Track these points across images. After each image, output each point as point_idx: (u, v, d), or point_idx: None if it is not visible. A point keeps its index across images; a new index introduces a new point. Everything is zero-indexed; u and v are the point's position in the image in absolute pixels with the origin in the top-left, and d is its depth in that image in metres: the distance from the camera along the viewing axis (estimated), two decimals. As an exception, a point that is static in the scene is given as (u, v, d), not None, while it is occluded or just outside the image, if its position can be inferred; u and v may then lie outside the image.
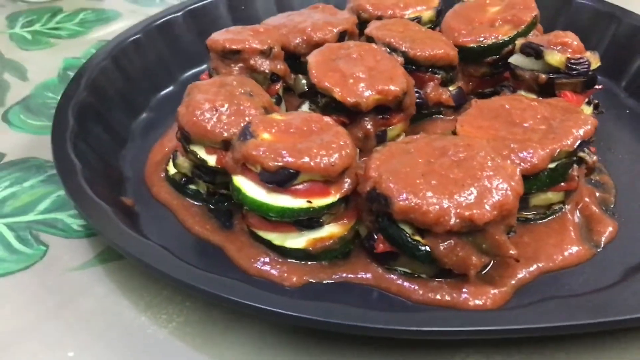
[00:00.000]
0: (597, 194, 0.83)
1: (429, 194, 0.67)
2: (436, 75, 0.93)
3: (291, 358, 0.66)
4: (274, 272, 0.74)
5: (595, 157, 0.77)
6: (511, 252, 0.69)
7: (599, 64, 0.86)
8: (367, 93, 0.82)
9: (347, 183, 0.73)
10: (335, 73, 0.85)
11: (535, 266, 0.74)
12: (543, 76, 0.86)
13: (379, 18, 1.04)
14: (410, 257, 0.70)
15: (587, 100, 0.88)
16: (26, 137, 0.99)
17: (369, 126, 0.85)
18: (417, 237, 0.69)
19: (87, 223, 0.73)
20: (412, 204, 0.66)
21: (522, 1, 0.99)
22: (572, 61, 0.84)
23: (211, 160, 0.79)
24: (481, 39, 0.96)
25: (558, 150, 0.73)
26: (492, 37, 0.95)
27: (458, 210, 0.66)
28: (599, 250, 0.76)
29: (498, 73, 0.98)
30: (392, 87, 0.83)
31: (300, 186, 0.71)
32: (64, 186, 0.75)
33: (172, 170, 0.86)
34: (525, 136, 0.75)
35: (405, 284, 0.72)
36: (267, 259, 0.75)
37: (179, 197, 0.84)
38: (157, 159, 0.91)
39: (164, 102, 1.04)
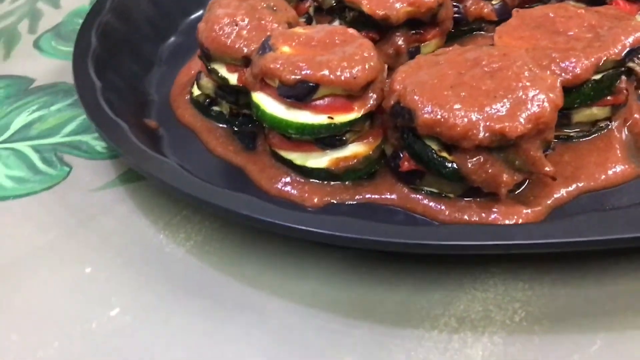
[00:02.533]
0: (649, 112, 0.76)
1: (457, 106, 0.62)
2: (476, -14, 0.87)
3: (310, 274, 0.63)
4: (294, 192, 0.71)
5: (645, 68, 0.70)
6: (547, 169, 0.64)
7: (655, -33, 0.78)
8: (398, 5, 0.77)
9: (372, 98, 0.69)
10: (367, -16, 0.79)
11: (574, 186, 0.68)
12: (590, -17, 0.78)
13: None
14: (437, 175, 0.66)
15: (642, 9, 0.81)
16: (56, 63, 0.98)
17: (400, 42, 0.80)
18: (444, 154, 0.65)
19: (105, 141, 0.72)
20: (438, 116, 0.62)
21: None
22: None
23: (232, 78, 0.76)
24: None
25: (604, 59, 0.67)
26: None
27: (488, 123, 0.61)
28: (645, 170, 0.70)
29: (547, -17, 0.91)
30: (425, -1, 0.77)
31: (321, 101, 0.67)
32: (82, 103, 0.74)
33: (196, 92, 0.83)
34: (568, 45, 0.69)
35: (432, 204, 0.68)
36: (288, 179, 0.72)
37: (203, 119, 0.82)
38: (183, 81, 0.88)
39: (194, 25, 1.00)
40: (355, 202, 0.70)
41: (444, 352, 0.55)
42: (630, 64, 0.69)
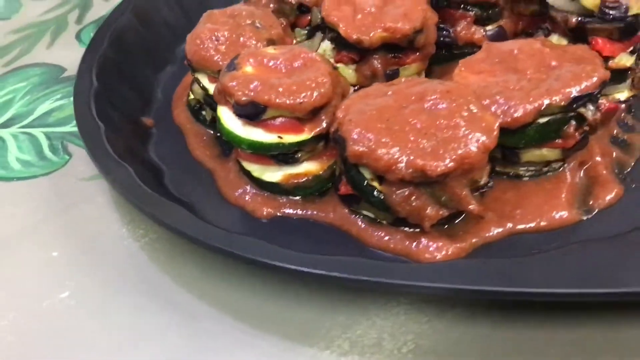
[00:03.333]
0: (614, 154, 0.75)
1: (385, 139, 0.65)
2: (469, 13, 0.87)
3: (237, 286, 0.69)
4: (249, 202, 0.77)
5: (598, 115, 0.69)
6: (471, 207, 0.66)
7: (644, 8, 0.76)
8: (374, 30, 0.80)
9: (323, 122, 0.73)
10: (347, 6, 0.82)
11: (508, 225, 0.69)
12: (573, 19, 0.77)
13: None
14: (367, 202, 0.69)
15: (631, 49, 0.78)
16: (88, 55, 1.08)
17: (376, 64, 0.83)
18: (375, 183, 0.68)
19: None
20: (365, 148, 0.65)
21: None
22: (606, 4, 0.75)
23: (212, 88, 0.81)
24: (530, -27, 0.87)
25: (546, 104, 0.67)
26: (543, -28, 0.86)
27: (411, 159, 0.64)
28: (588, 217, 0.69)
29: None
30: (400, 25, 0.79)
31: (273, 121, 0.72)
32: (74, 99, 0.82)
33: (191, 95, 0.90)
34: (518, 85, 0.70)
35: (365, 227, 0.71)
36: (247, 189, 0.78)
37: (193, 122, 0.89)
38: (186, 84, 0.95)
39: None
40: (301, 217, 0.75)
41: (329, 372, 0.60)
42: (582, 110, 0.69)
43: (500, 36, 0.89)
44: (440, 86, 0.70)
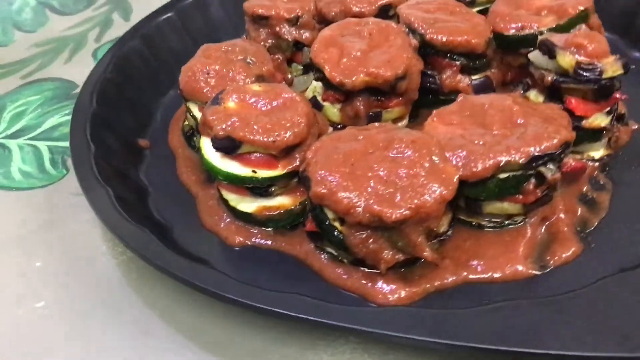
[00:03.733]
0: (579, 212, 0.77)
1: (347, 183, 0.68)
2: (455, 62, 0.90)
3: (195, 311, 0.73)
4: (223, 229, 0.80)
5: (558, 175, 0.72)
6: (425, 254, 0.69)
7: (619, 72, 0.77)
8: (357, 74, 0.83)
9: (297, 160, 0.76)
10: (335, 49, 0.86)
11: (463, 274, 0.72)
12: (549, 78, 0.80)
13: (432, -7, 1.01)
14: (328, 241, 0.73)
15: (608, 109, 0.80)
16: (100, 73, 1.13)
17: (359, 106, 0.86)
18: (336, 224, 0.71)
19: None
20: (326, 190, 0.68)
21: (580, -10, 0.90)
22: (581, 65, 0.77)
23: (201, 118, 0.86)
24: (519, 27, 0.90)
25: (505, 161, 0.69)
26: (531, 27, 0.89)
27: (369, 204, 0.67)
28: (541, 272, 0.71)
29: (536, 66, 0.92)
30: (382, 71, 0.82)
31: (250, 155, 0.76)
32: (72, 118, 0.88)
33: (186, 121, 0.94)
34: (482, 140, 0.72)
35: (326, 264, 0.74)
36: (223, 216, 0.82)
37: (185, 147, 0.93)
38: (184, 109, 1.00)
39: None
40: (270, 248, 0.78)
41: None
42: (541, 169, 0.71)
43: (485, 86, 0.92)
44: (407, 135, 0.73)
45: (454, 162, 0.71)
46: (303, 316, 0.62)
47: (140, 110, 0.98)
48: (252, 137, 0.74)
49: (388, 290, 0.70)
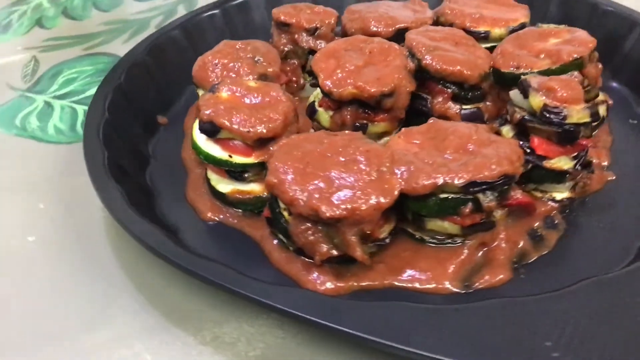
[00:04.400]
0: (521, 244, 0.81)
1: (296, 178, 0.76)
2: (447, 90, 0.95)
3: (155, 266, 0.82)
4: (199, 204, 0.90)
5: (493, 203, 0.76)
6: (357, 254, 0.75)
7: (585, 120, 0.81)
8: (345, 86, 0.90)
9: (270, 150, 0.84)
10: (334, 60, 0.94)
11: (391, 278, 0.77)
12: (518, 115, 0.84)
13: (451, 25, 1.07)
14: (276, 227, 0.80)
15: (575, 154, 0.84)
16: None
17: (346, 115, 0.93)
18: (285, 213, 0.79)
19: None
20: (276, 180, 0.76)
21: (582, 40, 0.93)
22: (548, 108, 0.81)
23: (206, 104, 0.96)
24: (515, 66, 0.94)
25: (441, 182, 0.74)
26: (526, 68, 0.93)
27: (310, 200, 0.74)
28: (464, 292, 0.76)
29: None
30: (368, 87, 0.89)
31: (230, 142, 0.85)
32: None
33: (200, 106, 1.05)
34: (431, 160, 0.77)
35: (275, 248, 0.82)
36: (203, 193, 0.91)
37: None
38: (207, 96, 1.10)
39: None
40: (235, 227, 0.87)
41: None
42: (479, 196, 0.76)
43: (475, 117, 0.96)
44: (364, 145, 0.79)
45: (399, 176, 0.76)
46: (222, 283, 0.70)
47: (166, 92, 1.09)
48: (229, 125, 0.83)
49: (319, 281, 0.77)
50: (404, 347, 0.60)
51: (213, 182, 0.90)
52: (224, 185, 0.88)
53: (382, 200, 0.74)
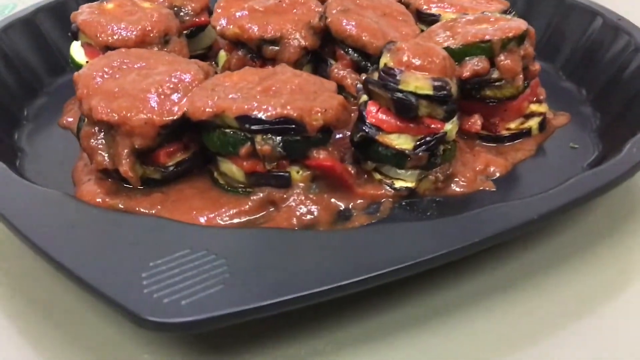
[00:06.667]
0: (315, 215, 0.70)
1: (98, 79, 0.73)
2: (347, 55, 0.86)
3: None
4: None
5: (267, 149, 0.67)
6: (122, 168, 0.70)
7: (425, 91, 0.68)
8: (231, 24, 0.86)
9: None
10: (242, 2, 0.89)
11: (160, 209, 0.71)
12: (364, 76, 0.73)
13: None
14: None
15: (420, 137, 0.71)
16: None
17: (232, 58, 0.88)
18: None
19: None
20: (79, 74, 0.74)
21: (507, 27, 0.79)
22: (385, 68, 0.71)
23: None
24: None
25: (215, 110, 0.68)
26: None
27: (94, 101, 0.71)
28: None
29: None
30: (250, 28, 0.84)
31: (90, 47, 0.85)
32: None
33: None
34: (236, 93, 0.70)
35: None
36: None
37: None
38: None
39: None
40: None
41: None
42: (257, 137, 0.67)
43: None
44: (182, 66, 0.75)
45: (197, 99, 0.70)
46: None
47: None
48: (83, 28, 0.83)
49: (89, 191, 0.73)
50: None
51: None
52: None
53: (155, 117, 0.69)
